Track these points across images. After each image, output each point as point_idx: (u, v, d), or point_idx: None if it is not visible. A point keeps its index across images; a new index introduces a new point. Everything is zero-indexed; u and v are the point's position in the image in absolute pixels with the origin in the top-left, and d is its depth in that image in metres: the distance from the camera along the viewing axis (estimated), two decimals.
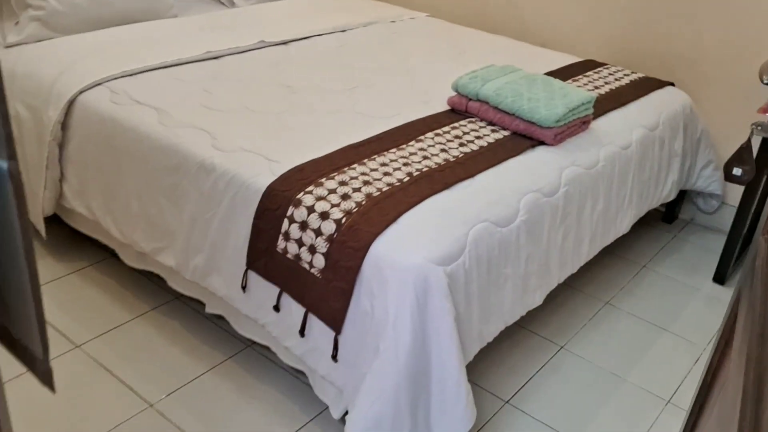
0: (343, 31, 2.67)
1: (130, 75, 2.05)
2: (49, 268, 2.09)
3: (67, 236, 2.22)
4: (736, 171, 1.48)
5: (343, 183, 1.56)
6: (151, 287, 2.05)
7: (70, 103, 1.95)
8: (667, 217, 2.66)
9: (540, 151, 1.86)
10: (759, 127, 1.33)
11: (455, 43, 2.63)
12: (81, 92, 1.95)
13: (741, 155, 1.49)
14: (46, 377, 1.01)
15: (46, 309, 1.93)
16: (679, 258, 2.44)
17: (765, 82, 1.15)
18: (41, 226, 2.06)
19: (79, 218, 2.08)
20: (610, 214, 2.04)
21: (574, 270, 1.93)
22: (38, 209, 2.04)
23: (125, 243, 1.92)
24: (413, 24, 2.85)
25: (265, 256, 1.56)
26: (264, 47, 2.40)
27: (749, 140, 1.54)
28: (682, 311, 2.16)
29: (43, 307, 0.91)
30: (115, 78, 2.01)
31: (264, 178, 1.60)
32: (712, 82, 2.48)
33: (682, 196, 2.63)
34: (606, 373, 1.89)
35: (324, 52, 2.43)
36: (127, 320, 1.91)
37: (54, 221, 2.19)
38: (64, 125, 1.97)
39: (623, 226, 2.14)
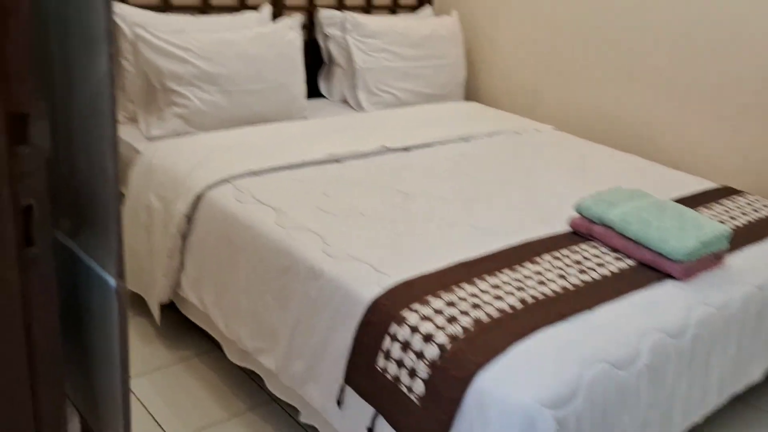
0: (465, 140, 2.67)
1: (256, 174, 2.12)
2: (157, 356, 2.14)
3: (179, 323, 2.28)
4: None
5: (450, 303, 1.49)
6: (250, 386, 2.04)
7: (197, 198, 2.03)
8: None
9: (667, 285, 1.72)
10: None
11: (581, 160, 2.56)
12: (208, 188, 2.04)
13: None
14: None
15: (149, 396, 1.96)
16: None
17: None
18: (156, 313, 2.13)
19: (192, 308, 2.13)
20: (741, 360, 1.84)
21: (699, 420, 1.74)
22: (155, 296, 2.11)
23: (230, 338, 1.93)
24: (538, 136, 2.81)
25: (363, 372, 1.51)
26: (385, 152, 2.43)
27: None
28: None
29: (130, 412, 0.90)
30: (241, 176, 2.08)
31: (370, 290, 1.56)
32: None
33: None
34: None
35: (444, 161, 2.43)
36: (223, 419, 1.90)
37: (168, 307, 2.25)
38: (190, 218, 2.05)
39: (756, 374, 1.92)
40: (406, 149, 2.49)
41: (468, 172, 2.33)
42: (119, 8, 2.44)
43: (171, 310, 2.25)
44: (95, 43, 0.72)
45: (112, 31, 0.72)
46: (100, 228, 0.81)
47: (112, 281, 0.83)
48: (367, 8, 3.24)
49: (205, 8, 2.73)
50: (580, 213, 1.92)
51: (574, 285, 1.64)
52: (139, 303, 2.32)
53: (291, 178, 2.13)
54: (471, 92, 3.44)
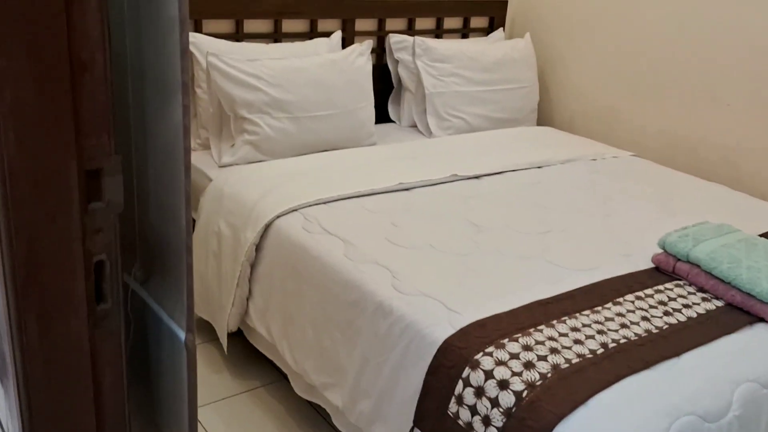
0: (539, 167, 2.59)
1: (324, 203, 2.09)
2: (224, 384, 2.13)
3: (247, 352, 2.27)
4: None
5: (527, 347, 1.42)
6: (316, 420, 2.00)
7: (266, 227, 2.02)
8: None
9: (759, 329, 1.60)
10: None
11: (662, 189, 2.44)
12: (277, 217, 2.03)
13: None
14: None
15: (215, 425, 1.95)
16: None
17: None
18: (224, 342, 2.12)
19: (259, 337, 2.11)
20: None
21: None
22: (224, 325, 2.11)
23: (296, 371, 1.90)
24: (616, 163, 2.70)
25: (434, 417, 1.45)
26: (455, 180, 2.38)
27: None
28: None
29: None
30: (310, 205, 2.07)
31: (441, 330, 1.51)
32: None
33: None
34: None
35: (517, 189, 2.35)
36: None
37: (236, 335, 2.25)
38: (258, 247, 2.04)
39: None
40: (476, 177, 2.43)
41: (542, 202, 2.25)
42: (194, 37, 2.48)
43: (239, 337, 2.24)
44: (170, 94, 0.70)
45: (186, 83, 0.70)
46: (172, 280, 0.79)
47: (181, 334, 0.81)
48: (438, 32, 3.21)
49: (277, 36, 2.75)
50: (663, 249, 1.82)
51: (658, 328, 1.55)
52: (207, 329, 2.32)
53: (359, 207, 2.10)
54: (544, 116, 3.35)
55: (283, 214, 2.03)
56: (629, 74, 2.99)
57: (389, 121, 3.14)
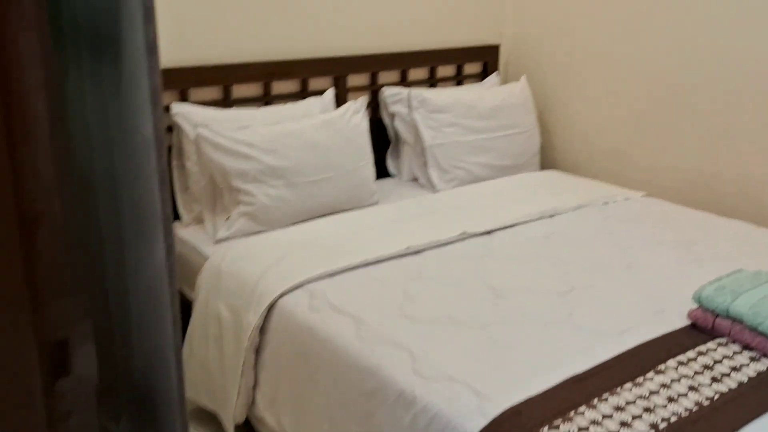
0: (550, 216, 2.47)
1: (330, 276, 1.96)
2: None
3: None
4: None
5: None
6: None
7: (270, 307, 1.89)
8: None
9: None
10: None
11: (682, 231, 2.32)
12: (281, 295, 1.89)
13: None
14: None
15: None
16: None
17: None
18: None
19: (269, 429, 1.95)
20: None
21: None
22: (229, 417, 1.95)
23: None
24: (629, 206, 2.58)
25: None
26: (466, 239, 2.25)
27: None
28: None
29: None
30: (315, 280, 1.93)
31: (473, 422, 1.36)
32: None
33: None
34: None
35: (531, 243, 2.23)
36: None
37: (244, 425, 2.09)
38: (262, 329, 1.90)
39: None
40: (487, 233, 2.30)
41: (558, 256, 2.12)
42: (181, 107, 2.37)
43: (247, 428, 2.08)
44: (149, 231, 0.57)
45: (169, 216, 0.57)
46: None
47: None
48: (432, 81, 3.12)
49: (268, 98, 2.65)
50: (700, 304, 1.69)
51: (709, 399, 1.41)
52: (212, 420, 2.16)
53: (368, 277, 1.97)
54: (547, 160, 3.24)
55: (287, 292, 1.90)
56: (633, 110, 2.90)
57: (389, 175, 3.03)
